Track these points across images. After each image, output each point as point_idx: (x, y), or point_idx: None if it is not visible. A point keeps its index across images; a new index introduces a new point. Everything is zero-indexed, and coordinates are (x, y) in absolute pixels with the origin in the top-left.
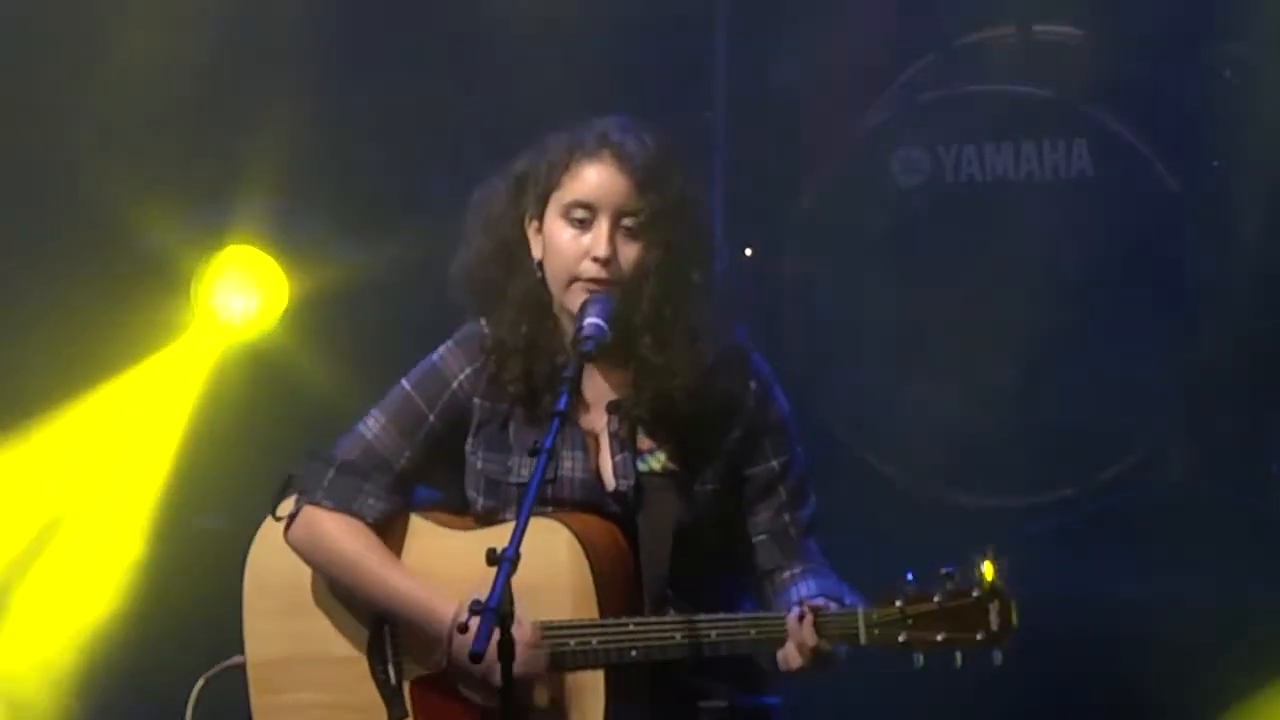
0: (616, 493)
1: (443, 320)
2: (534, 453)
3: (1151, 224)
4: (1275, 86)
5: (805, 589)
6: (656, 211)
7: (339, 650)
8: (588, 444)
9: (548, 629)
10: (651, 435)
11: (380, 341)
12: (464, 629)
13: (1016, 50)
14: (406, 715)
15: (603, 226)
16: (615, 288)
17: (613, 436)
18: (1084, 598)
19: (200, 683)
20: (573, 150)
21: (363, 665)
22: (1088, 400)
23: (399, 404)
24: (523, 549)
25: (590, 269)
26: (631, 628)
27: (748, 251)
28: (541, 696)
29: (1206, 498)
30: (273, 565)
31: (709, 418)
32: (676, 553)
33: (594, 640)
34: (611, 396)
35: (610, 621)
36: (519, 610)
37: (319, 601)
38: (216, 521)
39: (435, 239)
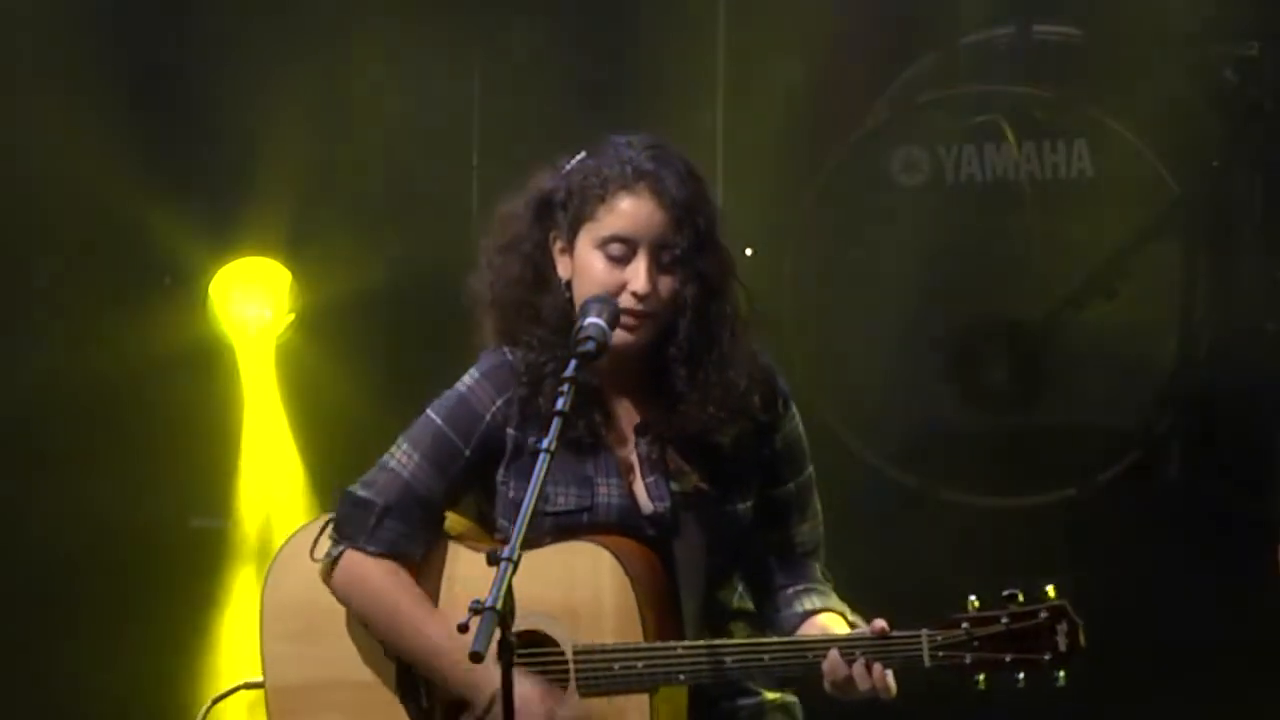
0: (653, 515)
1: (448, 328)
2: (533, 453)
3: (1151, 224)
4: (1276, 85)
5: (810, 603)
6: (692, 244)
7: (363, 675)
8: (622, 471)
9: (588, 653)
10: (683, 456)
11: (386, 349)
12: (464, 629)
13: (1017, 50)
14: None
15: (642, 261)
16: (651, 319)
17: (643, 460)
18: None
19: (208, 706)
20: (607, 182)
21: (389, 690)
22: (1088, 400)
23: (432, 439)
24: (565, 574)
25: (629, 301)
26: (680, 651)
27: (748, 251)
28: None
29: (1206, 498)
30: (291, 588)
31: (739, 439)
32: (711, 573)
33: (640, 664)
34: (634, 418)
35: (658, 645)
36: (560, 635)
37: (341, 625)
38: (212, 522)
39: (444, 247)
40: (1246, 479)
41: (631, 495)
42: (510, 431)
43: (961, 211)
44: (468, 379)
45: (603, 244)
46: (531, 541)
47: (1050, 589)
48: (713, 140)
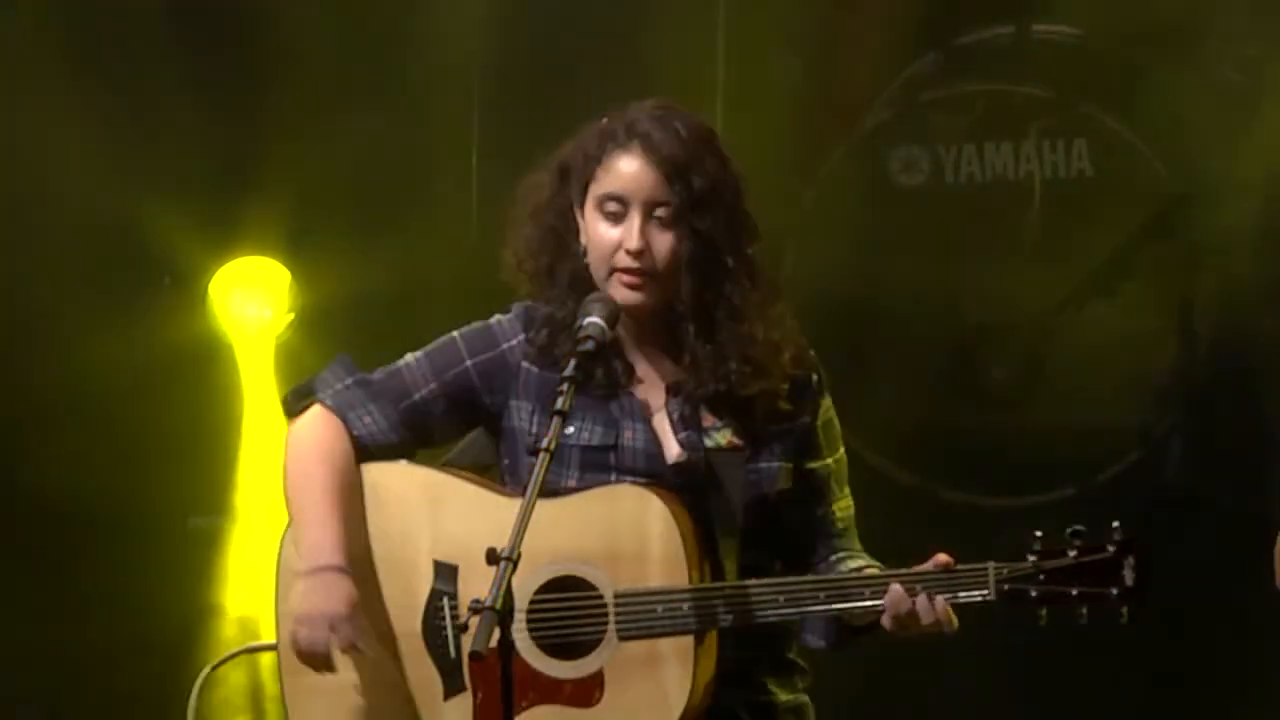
0: (678, 465)
1: (447, 328)
2: (532, 452)
3: (1151, 223)
4: (1277, 84)
5: (856, 562)
6: (686, 201)
7: (381, 626)
8: (647, 417)
9: (630, 596)
10: (715, 413)
11: (385, 349)
12: (463, 629)
13: (1016, 49)
14: (464, 689)
15: (634, 219)
16: (650, 278)
17: (675, 417)
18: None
19: (206, 671)
20: (604, 142)
21: (408, 642)
22: (1088, 400)
23: (441, 345)
24: (608, 519)
25: (624, 260)
26: (728, 592)
27: (749, 250)
28: (621, 666)
29: (1205, 498)
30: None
31: (774, 401)
32: (745, 532)
33: (685, 606)
34: (670, 378)
35: (704, 587)
36: (599, 579)
37: (363, 572)
38: (210, 520)
39: (443, 247)
40: (1246, 479)
41: (657, 442)
42: (526, 365)
43: (962, 211)
44: (497, 315)
45: (599, 204)
46: (558, 476)
47: (1116, 524)
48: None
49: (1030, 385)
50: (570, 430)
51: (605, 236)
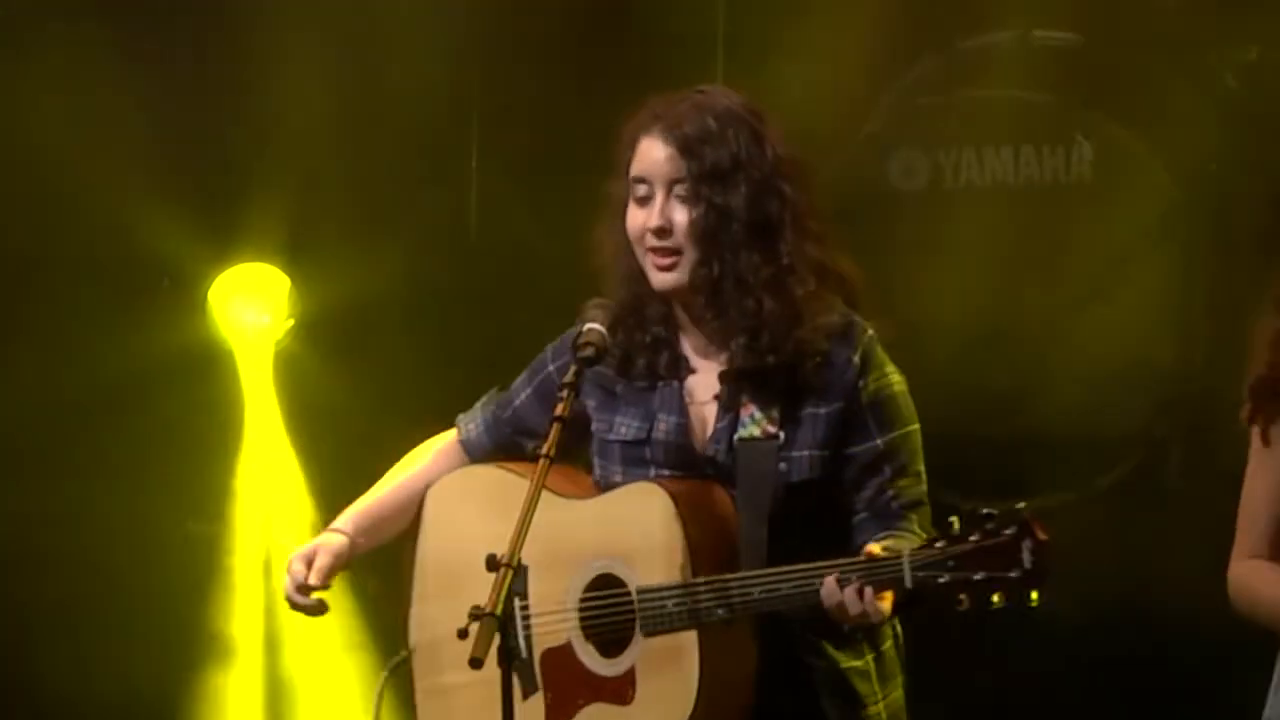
0: (707, 457)
1: (445, 335)
2: (534, 457)
3: (1151, 228)
4: (1275, 90)
5: (873, 540)
6: (699, 176)
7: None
8: (686, 408)
9: (648, 593)
10: (754, 399)
11: (384, 355)
12: (464, 635)
13: (1016, 54)
14: (537, 689)
15: (658, 198)
16: (679, 255)
17: (720, 403)
18: (1086, 605)
19: (384, 674)
20: (634, 130)
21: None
22: (1087, 404)
23: (538, 358)
24: (625, 516)
25: (651, 240)
26: (703, 588)
27: None
28: (649, 662)
29: (1204, 502)
30: (434, 547)
31: (809, 383)
32: (774, 518)
33: (685, 600)
34: (719, 365)
35: (694, 582)
36: (628, 576)
37: (470, 578)
38: (208, 526)
39: (442, 254)
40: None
41: (688, 434)
42: (598, 367)
43: (961, 215)
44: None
45: (631, 188)
46: (608, 472)
47: (1022, 505)
48: None
49: (1031, 390)
50: (612, 425)
51: (635, 218)
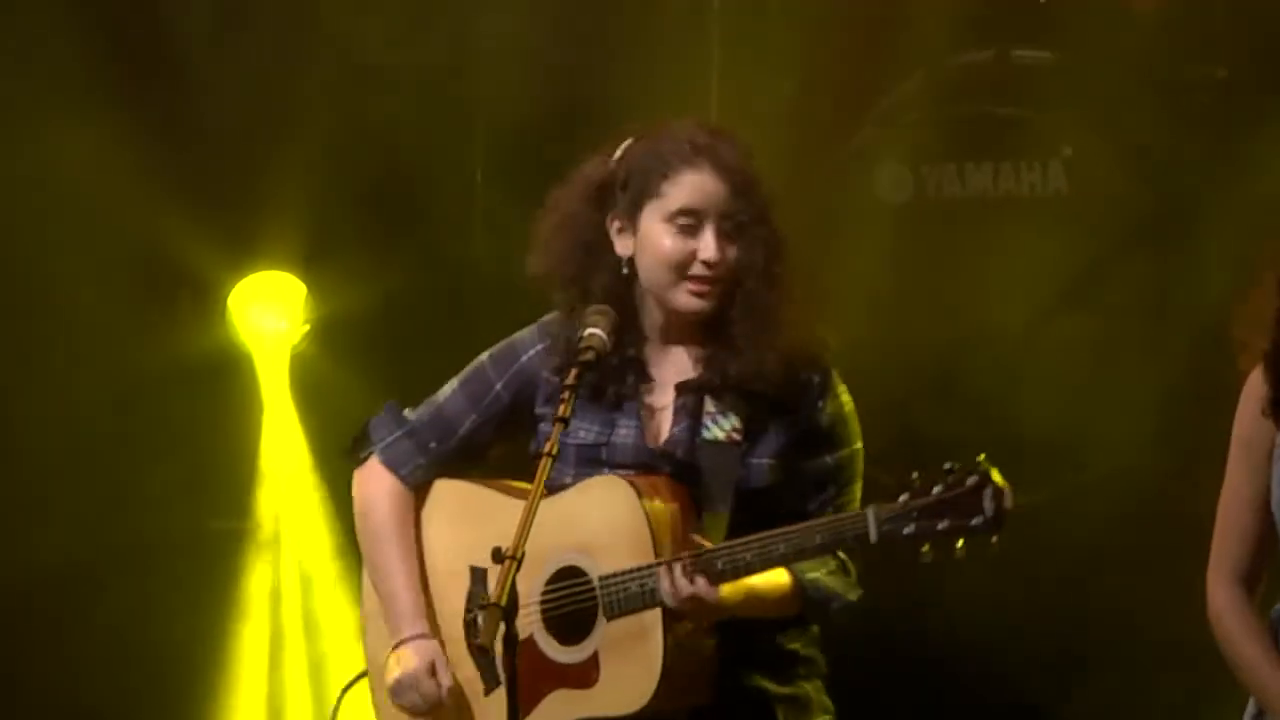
0: (664, 452)
1: (451, 338)
2: (536, 455)
3: (1125, 240)
4: (1248, 108)
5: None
6: (751, 214)
7: (445, 633)
8: (643, 417)
9: (610, 579)
10: (719, 405)
11: (395, 358)
12: (470, 625)
13: (996, 73)
14: (500, 684)
15: (710, 230)
16: (716, 285)
17: (677, 410)
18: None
19: (341, 696)
20: (669, 159)
21: (456, 647)
22: (1063, 407)
23: (472, 372)
24: (586, 509)
25: (699, 270)
26: (686, 562)
27: None
28: (612, 645)
29: (1176, 499)
30: None
31: (777, 399)
32: (736, 515)
33: (651, 580)
34: (681, 376)
35: (671, 559)
36: (589, 566)
37: (437, 587)
38: (230, 523)
39: (447, 262)
40: (1217, 485)
41: (644, 437)
42: (546, 375)
43: (943, 227)
44: (525, 328)
45: (671, 218)
46: (559, 474)
47: (982, 458)
48: None
49: (1008, 394)
50: (582, 433)
51: (677, 247)
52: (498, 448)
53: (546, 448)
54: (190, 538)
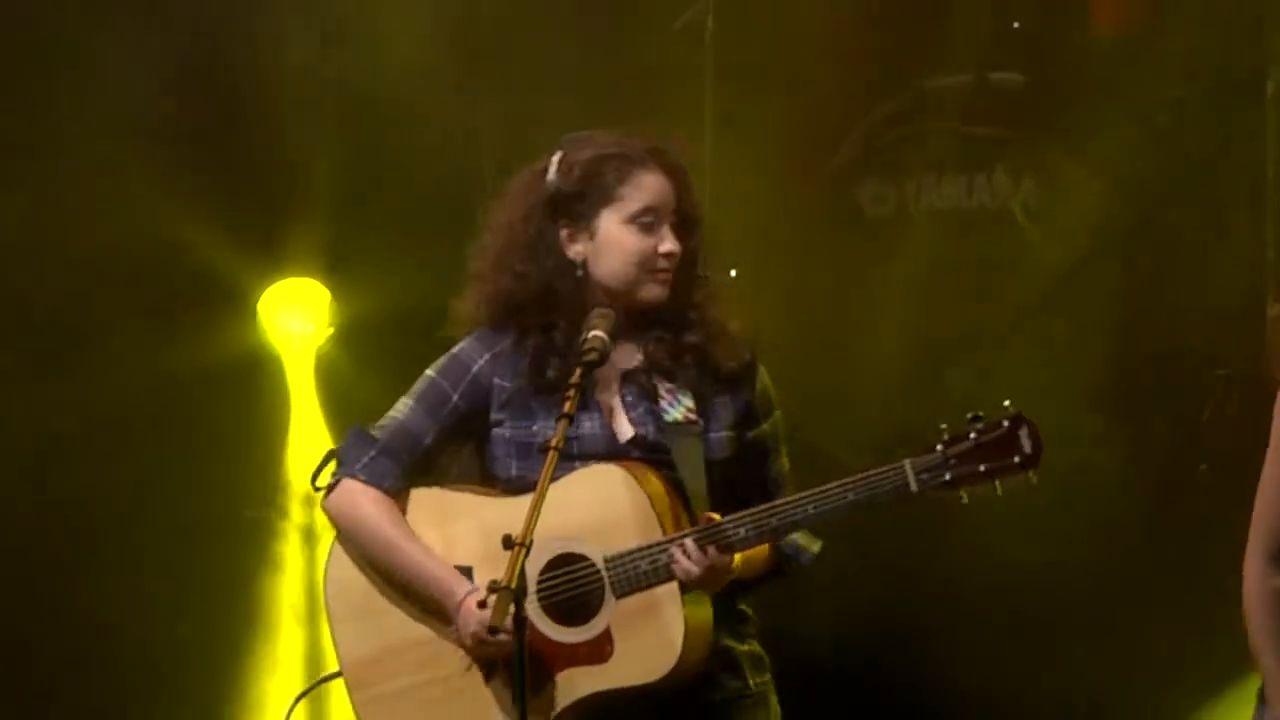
0: (635, 438)
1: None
2: (543, 450)
3: (1089, 245)
4: (1200, 126)
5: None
6: (694, 208)
7: (421, 633)
8: (603, 409)
9: (617, 559)
10: (670, 387)
11: (410, 359)
12: (484, 605)
13: (973, 94)
14: (496, 666)
15: (667, 227)
16: (672, 273)
17: (628, 401)
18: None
19: (293, 703)
20: (623, 165)
21: (445, 641)
22: (1034, 407)
23: (426, 387)
24: (584, 498)
25: (661, 263)
26: (695, 536)
27: (733, 272)
28: (624, 620)
29: (1137, 498)
30: (347, 573)
31: (724, 375)
32: (712, 486)
33: (663, 555)
34: (628, 365)
35: (674, 537)
36: (590, 551)
37: (393, 594)
38: (261, 511)
39: (459, 269)
40: (1175, 474)
41: (611, 426)
42: (496, 381)
43: (923, 238)
44: (460, 343)
45: (633, 218)
46: (526, 474)
47: (1007, 403)
48: (702, 170)
49: (984, 393)
50: (535, 428)
51: (640, 244)
52: (444, 459)
53: (553, 442)
54: (225, 523)
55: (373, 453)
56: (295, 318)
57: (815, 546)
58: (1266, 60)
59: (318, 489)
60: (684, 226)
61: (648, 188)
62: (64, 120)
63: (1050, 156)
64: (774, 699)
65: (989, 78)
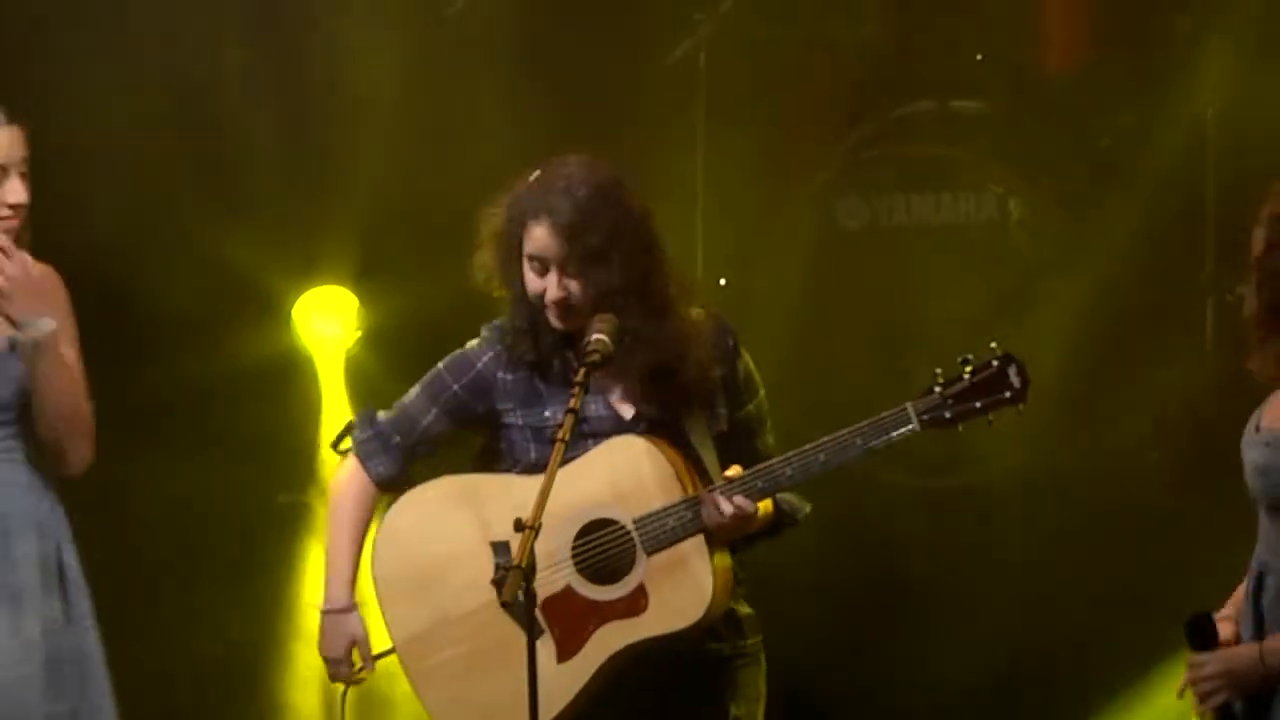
0: (638, 414)
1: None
2: (551, 440)
3: (1045, 261)
4: (1147, 151)
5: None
6: (585, 256)
7: (467, 605)
8: (605, 393)
9: (645, 520)
10: (655, 388)
11: (431, 359)
12: (498, 584)
13: (937, 120)
14: (543, 631)
15: (552, 275)
16: (569, 310)
17: (633, 381)
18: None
19: (345, 688)
20: (524, 213)
21: (489, 610)
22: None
23: (431, 377)
24: (608, 467)
25: (551, 306)
26: (717, 491)
27: (722, 281)
28: (656, 575)
29: (1096, 489)
30: (391, 554)
31: (706, 369)
32: (717, 469)
33: (688, 512)
34: (612, 390)
35: (698, 494)
36: (618, 516)
37: (439, 570)
38: (296, 496)
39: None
40: (1131, 470)
41: (614, 407)
42: (500, 374)
43: (892, 252)
44: (470, 342)
45: (529, 260)
46: (540, 457)
47: (993, 344)
48: (694, 184)
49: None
50: (547, 414)
51: (534, 285)
52: (442, 442)
53: (561, 434)
54: (262, 510)
55: (370, 433)
56: (326, 322)
57: (807, 506)
58: (1204, 88)
59: (340, 452)
60: (584, 269)
61: (535, 239)
62: (118, 145)
63: (1009, 176)
64: (763, 658)
65: (952, 105)
